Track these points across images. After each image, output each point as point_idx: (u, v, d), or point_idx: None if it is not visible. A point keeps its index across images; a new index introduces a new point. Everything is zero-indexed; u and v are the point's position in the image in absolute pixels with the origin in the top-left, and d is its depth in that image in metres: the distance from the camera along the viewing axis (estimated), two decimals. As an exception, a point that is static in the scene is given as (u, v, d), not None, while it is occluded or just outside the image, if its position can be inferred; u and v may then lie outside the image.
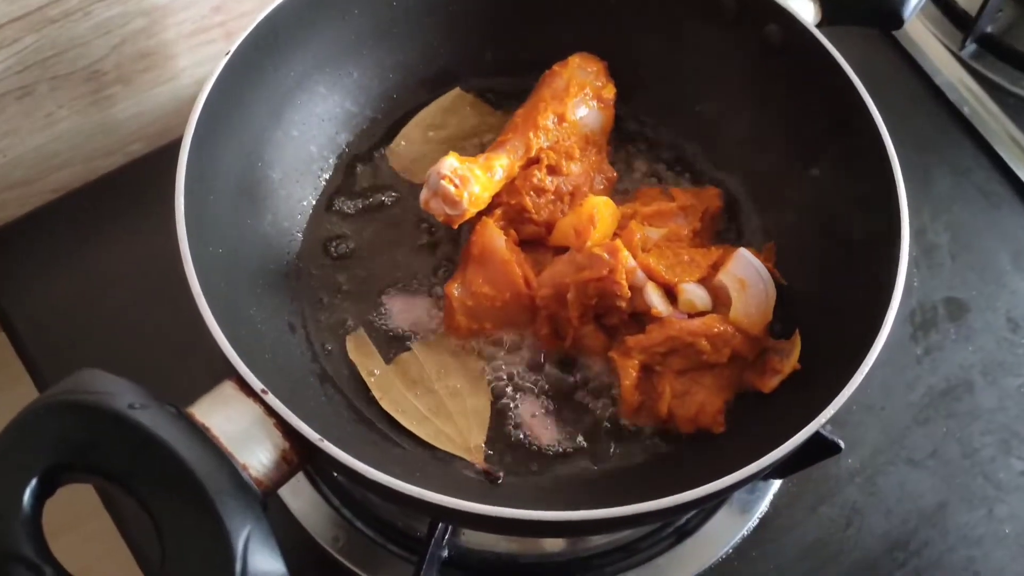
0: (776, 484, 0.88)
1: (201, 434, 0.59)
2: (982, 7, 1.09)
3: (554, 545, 0.85)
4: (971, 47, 1.12)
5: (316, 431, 0.61)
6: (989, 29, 1.13)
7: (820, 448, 0.73)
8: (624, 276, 0.76)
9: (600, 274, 0.75)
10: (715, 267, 0.79)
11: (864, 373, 0.66)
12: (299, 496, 0.84)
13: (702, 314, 0.78)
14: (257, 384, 0.62)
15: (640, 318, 0.78)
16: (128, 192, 1.03)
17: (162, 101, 1.06)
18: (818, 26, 0.85)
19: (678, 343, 0.75)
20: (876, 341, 0.67)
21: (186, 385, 0.64)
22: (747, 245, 0.86)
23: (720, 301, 0.79)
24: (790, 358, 0.76)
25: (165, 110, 1.07)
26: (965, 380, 0.94)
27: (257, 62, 0.80)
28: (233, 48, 0.76)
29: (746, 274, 0.78)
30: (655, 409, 0.76)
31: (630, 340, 0.76)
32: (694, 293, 0.79)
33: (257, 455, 0.60)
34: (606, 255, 0.76)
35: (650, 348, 0.76)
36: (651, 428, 0.77)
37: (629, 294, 0.76)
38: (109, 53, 0.98)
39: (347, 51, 0.89)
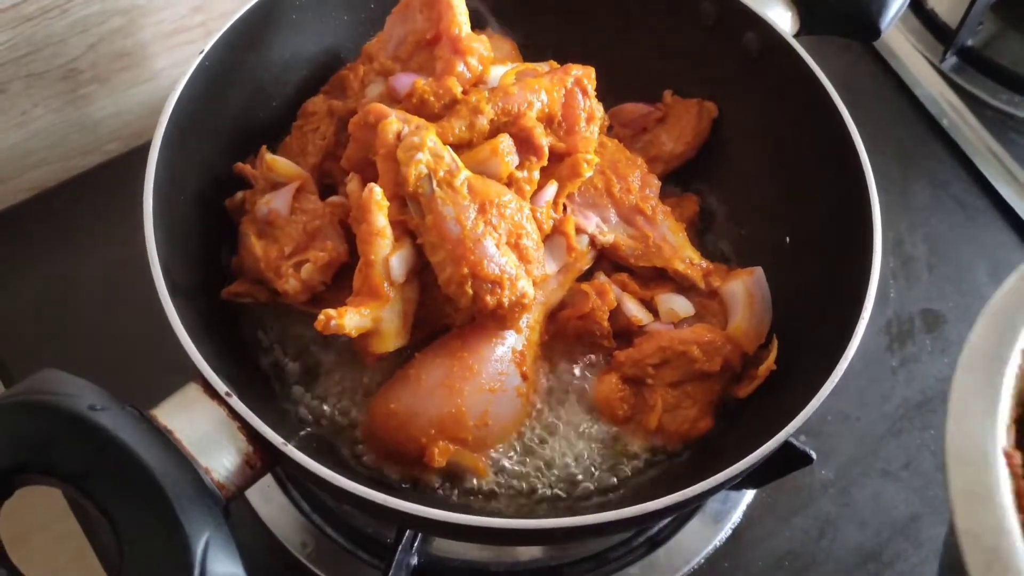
0: (750, 494, 0.88)
1: (163, 437, 0.58)
2: (963, 20, 1.10)
3: (526, 553, 0.84)
4: (951, 60, 1.13)
5: (281, 435, 0.61)
6: (970, 42, 1.13)
7: (792, 458, 0.73)
8: (606, 317, 0.74)
9: (582, 311, 0.74)
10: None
11: (831, 386, 0.66)
12: (269, 502, 0.83)
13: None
14: (221, 387, 0.61)
15: (626, 335, 0.77)
16: (105, 191, 1.03)
17: (140, 101, 1.06)
18: (796, 35, 0.85)
19: (670, 353, 0.74)
20: (844, 355, 0.67)
21: (155, 385, 0.63)
22: (722, 255, 0.87)
23: (709, 312, 0.78)
24: (766, 362, 0.76)
25: (143, 110, 1.07)
26: (940, 392, 0.94)
27: (232, 63, 0.80)
28: (206, 48, 0.76)
29: (757, 291, 0.78)
30: (645, 422, 0.75)
31: (620, 355, 0.75)
32: (674, 301, 0.79)
33: (220, 459, 0.60)
34: (593, 293, 0.75)
35: (641, 361, 0.75)
36: (618, 436, 0.77)
37: (610, 331, 0.75)
38: (86, 52, 0.98)
39: (327, 51, 0.89)
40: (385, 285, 0.66)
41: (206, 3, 1.02)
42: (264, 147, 0.80)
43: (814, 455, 0.73)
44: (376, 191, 0.67)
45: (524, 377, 0.71)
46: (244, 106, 0.83)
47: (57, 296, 0.94)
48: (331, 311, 0.64)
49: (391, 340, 0.68)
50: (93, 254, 0.97)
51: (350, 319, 0.64)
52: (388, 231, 0.66)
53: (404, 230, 0.68)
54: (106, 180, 1.04)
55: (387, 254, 0.66)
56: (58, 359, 0.88)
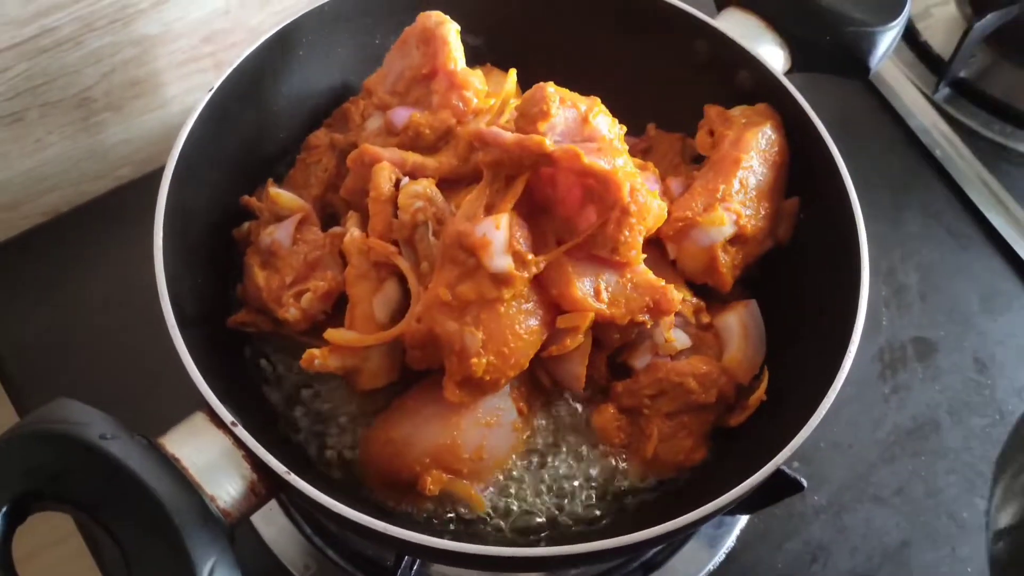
0: (743, 519, 0.89)
1: (170, 465, 0.61)
2: (956, 52, 1.11)
3: (524, 577, 0.85)
4: (944, 91, 1.15)
5: (285, 463, 0.63)
6: (963, 74, 1.15)
7: (783, 486, 0.74)
8: (605, 363, 0.75)
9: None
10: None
11: (821, 416, 0.68)
12: (272, 524, 0.85)
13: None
14: (227, 416, 0.63)
15: (624, 369, 0.78)
16: (116, 216, 1.05)
17: (151, 128, 1.08)
18: (787, 73, 0.87)
19: (666, 384, 0.76)
20: (832, 387, 0.68)
21: (163, 412, 0.65)
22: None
23: (705, 344, 0.79)
24: (757, 392, 0.77)
25: (154, 136, 1.09)
26: (932, 419, 0.96)
27: (241, 98, 0.82)
28: (216, 85, 0.78)
29: (751, 323, 0.80)
30: (641, 451, 0.76)
31: (618, 385, 0.77)
32: (673, 334, 0.80)
33: (225, 487, 0.62)
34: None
35: (638, 392, 0.76)
36: (614, 464, 0.78)
37: (608, 375, 0.76)
38: (99, 81, 1.00)
39: (334, 85, 0.91)
40: (370, 325, 0.68)
41: (216, 34, 1.04)
42: (270, 180, 0.83)
43: (805, 483, 0.74)
44: (357, 235, 0.69)
45: (520, 412, 0.73)
46: (253, 139, 0.85)
47: (71, 321, 0.96)
48: (315, 351, 0.67)
49: (378, 377, 0.70)
50: (105, 278, 0.99)
51: (335, 358, 0.67)
52: (372, 273, 0.69)
53: (391, 271, 0.70)
54: (118, 205, 1.06)
55: (371, 295, 0.68)
56: (71, 384, 0.91)
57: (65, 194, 1.07)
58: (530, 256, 0.66)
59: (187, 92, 1.07)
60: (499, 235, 0.64)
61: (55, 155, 1.03)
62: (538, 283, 0.68)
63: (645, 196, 0.67)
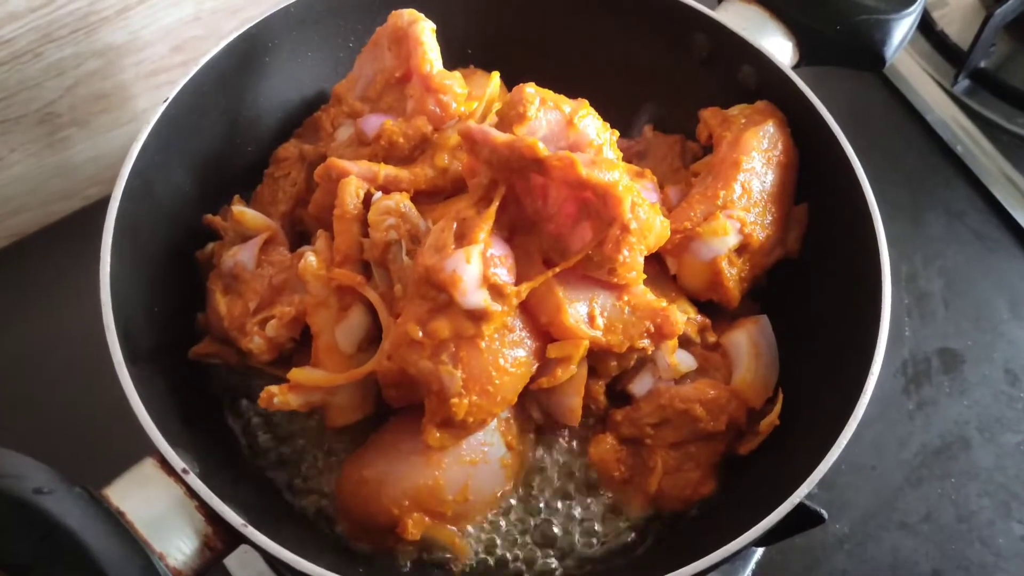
0: (759, 552, 0.83)
1: (114, 520, 0.55)
2: (975, 41, 1.05)
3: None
4: (964, 83, 1.09)
5: (243, 515, 0.57)
6: (983, 64, 1.09)
7: (802, 519, 0.68)
8: (603, 392, 0.70)
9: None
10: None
11: (844, 441, 0.62)
12: (246, 567, 0.79)
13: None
14: (178, 463, 0.57)
15: (624, 396, 0.72)
16: (85, 237, 0.98)
17: (121, 144, 1.03)
18: (795, 67, 0.81)
19: (670, 412, 0.69)
20: (855, 410, 0.62)
21: (116, 458, 0.59)
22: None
23: (712, 365, 0.73)
24: (769, 417, 0.71)
25: (124, 152, 1.02)
26: (961, 437, 0.89)
27: (202, 109, 0.77)
28: (171, 95, 0.73)
29: (762, 341, 0.73)
30: (644, 485, 0.70)
31: (617, 414, 0.71)
32: (677, 356, 0.74)
33: (176, 542, 0.56)
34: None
35: (640, 420, 0.70)
36: (615, 502, 0.72)
37: (607, 405, 0.70)
38: (63, 95, 0.95)
39: (304, 94, 0.85)
40: (335, 357, 0.62)
41: (186, 43, 0.99)
42: (237, 197, 0.77)
43: (826, 515, 0.68)
44: (312, 260, 0.63)
45: (509, 447, 0.66)
46: (217, 153, 0.80)
47: (38, 349, 0.91)
48: (273, 388, 0.62)
49: (348, 413, 0.64)
50: (69, 306, 0.93)
51: (295, 396, 0.61)
52: (333, 301, 0.62)
53: (356, 296, 0.63)
54: (86, 225, 0.99)
55: (332, 325, 0.62)
56: (17, 425, 0.85)
57: (32, 215, 1.02)
58: (510, 288, 0.59)
59: (158, 105, 1.02)
60: (471, 269, 0.58)
61: (19, 174, 0.98)
62: (525, 308, 0.61)
63: (647, 212, 0.60)
